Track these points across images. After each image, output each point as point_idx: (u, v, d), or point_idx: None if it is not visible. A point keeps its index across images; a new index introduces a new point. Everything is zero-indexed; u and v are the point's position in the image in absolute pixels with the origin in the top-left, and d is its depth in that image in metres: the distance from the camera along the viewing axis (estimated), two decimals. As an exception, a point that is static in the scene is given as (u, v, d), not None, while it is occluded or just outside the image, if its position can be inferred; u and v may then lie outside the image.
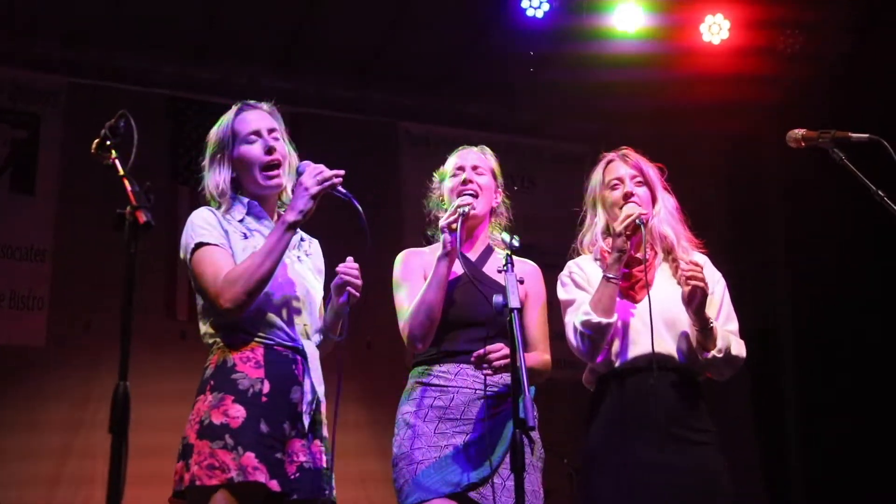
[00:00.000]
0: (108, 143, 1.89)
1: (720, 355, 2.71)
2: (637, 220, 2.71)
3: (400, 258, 3.03)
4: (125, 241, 1.65)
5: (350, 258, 2.57)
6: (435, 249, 2.98)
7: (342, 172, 2.49)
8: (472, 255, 2.99)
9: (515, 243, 2.65)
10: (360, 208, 2.46)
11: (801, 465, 6.48)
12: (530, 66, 6.25)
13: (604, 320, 2.70)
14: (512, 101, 6.79)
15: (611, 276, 2.72)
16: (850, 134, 2.59)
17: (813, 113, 5.57)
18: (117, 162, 1.85)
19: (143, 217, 1.68)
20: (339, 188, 2.49)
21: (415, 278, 2.93)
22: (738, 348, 2.78)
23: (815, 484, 6.25)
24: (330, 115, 6.49)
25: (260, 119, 2.62)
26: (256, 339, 2.48)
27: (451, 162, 3.08)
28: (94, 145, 1.91)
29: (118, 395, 1.62)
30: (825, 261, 6.08)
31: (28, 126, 5.99)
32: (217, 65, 6.35)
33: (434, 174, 3.15)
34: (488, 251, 3.03)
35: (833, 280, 6.00)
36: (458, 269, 2.90)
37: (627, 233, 2.71)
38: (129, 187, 1.75)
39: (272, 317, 2.50)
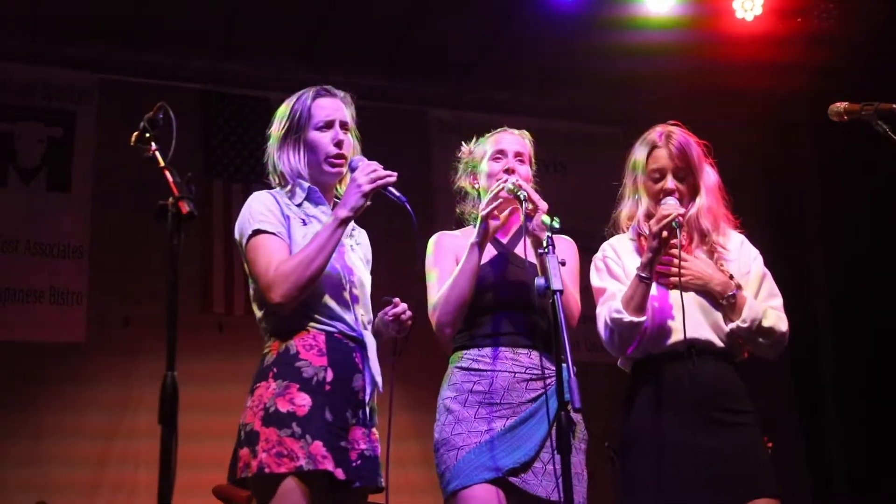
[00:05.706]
0: (148, 134, 1.90)
1: (745, 325, 2.64)
2: (674, 223, 2.63)
3: (432, 241, 3.00)
4: (168, 233, 1.65)
5: (396, 300, 2.59)
6: (467, 233, 2.95)
7: (395, 174, 2.50)
8: (505, 238, 2.97)
9: (556, 225, 2.60)
10: (412, 211, 2.46)
11: (842, 444, 6.41)
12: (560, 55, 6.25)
13: (635, 319, 2.65)
14: (542, 86, 6.73)
15: (644, 275, 2.66)
16: (894, 105, 2.53)
17: (848, 84, 5.47)
18: (157, 153, 1.86)
19: (185, 207, 1.68)
20: (391, 189, 2.50)
21: (446, 262, 2.91)
22: (775, 321, 2.69)
23: (855, 459, 6.18)
24: (359, 105, 6.47)
25: (336, 109, 2.65)
26: (318, 326, 2.47)
27: (490, 142, 3.02)
28: (133, 137, 1.92)
29: (166, 385, 1.62)
30: (863, 235, 5.97)
31: (63, 124, 6.07)
32: (245, 58, 6.36)
33: (463, 144, 3.10)
34: (519, 233, 2.98)
35: (872, 254, 5.90)
36: (491, 250, 2.88)
37: (664, 235, 2.63)
38: (170, 178, 1.75)
39: (333, 306, 2.51)
